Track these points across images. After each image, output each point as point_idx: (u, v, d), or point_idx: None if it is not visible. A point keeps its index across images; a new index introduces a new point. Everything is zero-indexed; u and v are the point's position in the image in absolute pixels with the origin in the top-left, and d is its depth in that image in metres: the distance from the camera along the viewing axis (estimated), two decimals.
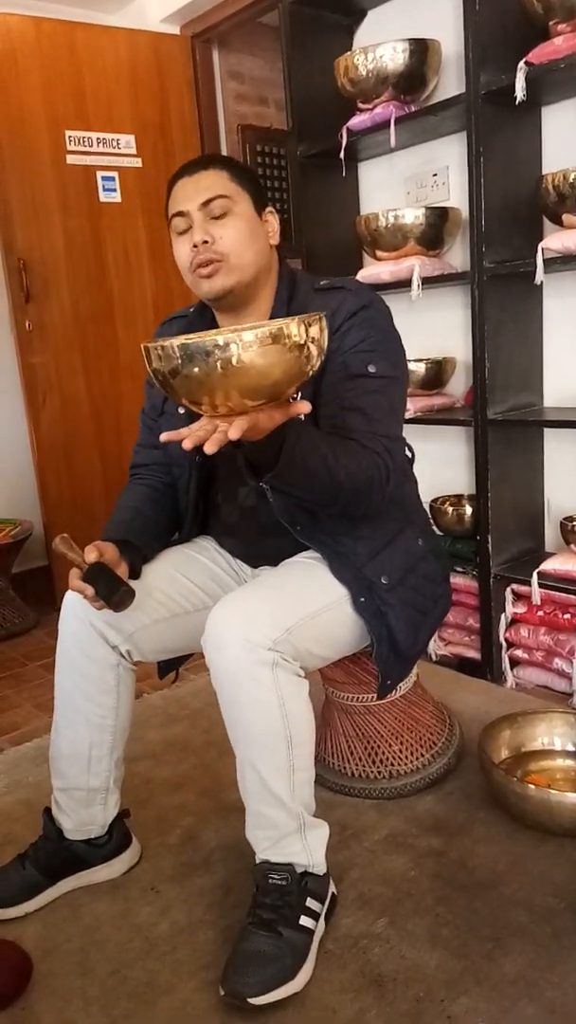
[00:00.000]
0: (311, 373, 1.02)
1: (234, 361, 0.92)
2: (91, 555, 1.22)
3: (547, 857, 1.40)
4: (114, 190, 3.04)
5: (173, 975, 1.20)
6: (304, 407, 1.03)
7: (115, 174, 3.03)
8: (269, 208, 1.35)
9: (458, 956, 1.20)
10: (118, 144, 3.03)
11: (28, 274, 2.82)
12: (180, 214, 1.29)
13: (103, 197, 3.01)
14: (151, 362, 0.98)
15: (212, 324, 1.40)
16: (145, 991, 1.18)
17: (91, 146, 2.97)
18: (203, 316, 1.42)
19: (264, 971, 1.12)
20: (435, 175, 2.31)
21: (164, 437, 1.04)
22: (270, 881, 1.20)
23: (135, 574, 1.33)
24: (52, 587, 2.99)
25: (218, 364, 0.92)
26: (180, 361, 0.94)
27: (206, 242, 1.26)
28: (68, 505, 2.97)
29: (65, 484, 2.99)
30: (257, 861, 1.24)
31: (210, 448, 0.96)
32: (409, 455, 1.47)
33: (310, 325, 0.98)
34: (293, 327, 0.95)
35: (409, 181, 2.38)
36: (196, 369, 0.93)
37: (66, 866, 1.38)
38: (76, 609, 1.32)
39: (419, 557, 1.40)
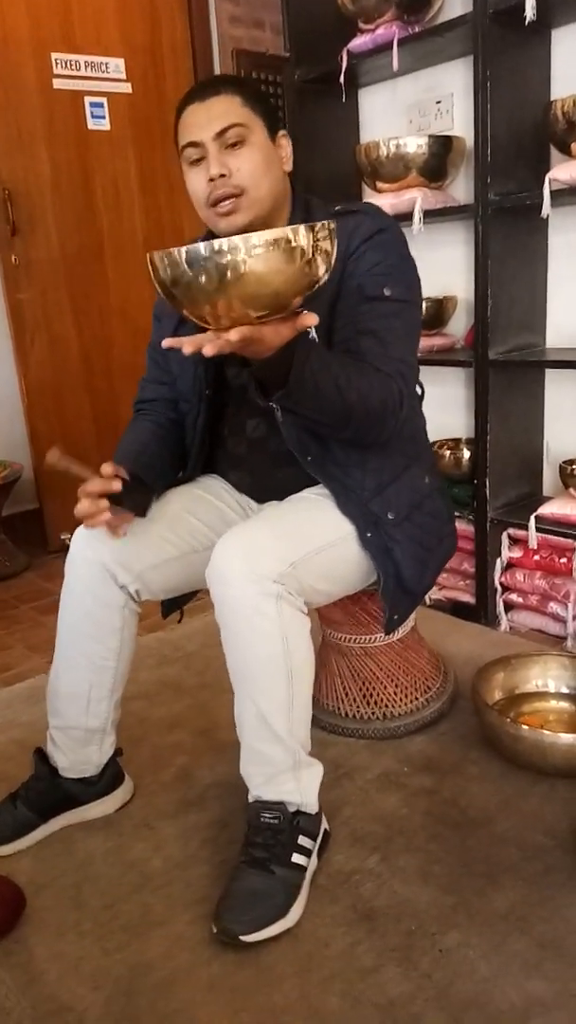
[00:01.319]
0: (318, 284, 0.99)
1: (239, 269, 0.90)
2: (107, 469, 1.19)
3: (539, 797, 1.40)
4: (103, 117, 2.91)
5: (166, 909, 1.21)
6: (311, 319, 1.00)
7: (104, 100, 2.91)
8: (282, 132, 1.29)
9: (449, 892, 1.21)
10: (107, 68, 2.90)
11: (13, 206, 2.72)
12: (193, 144, 1.23)
13: (91, 124, 2.89)
14: (157, 272, 0.96)
15: None
16: (138, 924, 1.19)
17: (79, 70, 2.83)
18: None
19: (256, 909, 1.13)
20: (439, 102, 2.21)
21: (166, 343, 1.02)
22: (262, 820, 1.20)
23: (143, 510, 1.31)
24: (43, 529, 2.96)
25: (221, 270, 0.90)
26: (184, 268, 0.92)
27: (223, 175, 1.22)
28: (58, 448, 2.92)
29: (55, 426, 2.94)
30: (250, 799, 1.24)
31: (209, 351, 0.95)
32: (419, 392, 1.44)
33: (316, 232, 0.94)
34: (300, 233, 0.92)
35: (412, 108, 2.28)
36: (199, 276, 0.91)
37: (58, 804, 1.38)
38: (86, 550, 1.30)
39: (425, 495, 1.39)
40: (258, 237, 0.91)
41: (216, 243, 0.90)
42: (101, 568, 1.29)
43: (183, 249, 0.92)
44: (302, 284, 0.96)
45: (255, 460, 1.41)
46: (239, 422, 1.41)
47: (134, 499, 1.24)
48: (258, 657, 1.16)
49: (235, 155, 1.22)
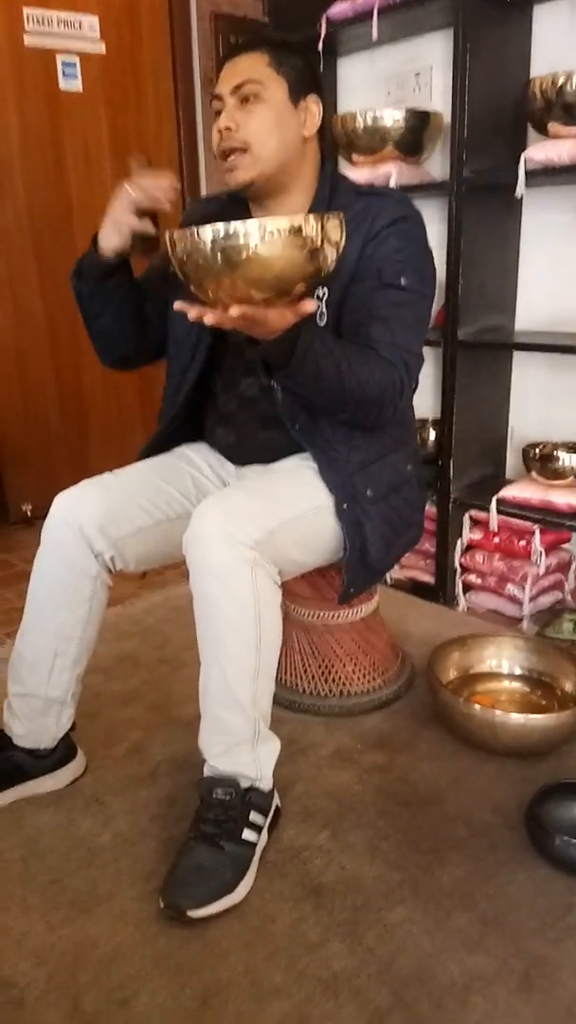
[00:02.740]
0: (326, 272, 1.02)
1: (247, 252, 0.95)
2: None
3: (488, 775, 1.42)
4: (75, 77, 2.82)
5: (113, 884, 1.21)
6: (310, 306, 1.03)
7: (77, 60, 2.81)
8: (313, 96, 1.28)
9: (396, 868, 1.22)
10: (80, 26, 2.80)
11: None
12: (216, 97, 1.27)
13: (63, 85, 2.80)
14: (175, 249, 1.00)
15: (245, 211, 1.37)
16: (85, 899, 1.18)
17: (51, 26, 2.74)
18: (238, 202, 1.37)
19: (204, 884, 1.13)
20: (418, 75, 2.18)
21: (177, 306, 1.05)
22: (214, 796, 1.20)
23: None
24: (3, 500, 2.91)
25: (231, 252, 0.95)
26: (199, 247, 0.96)
27: (229, 128, 1.24)
28: (20, 416, 2.87)
29: (17, 395, 2.87)
30: (204, 772, 1.24)
31: (210, 319, 1.00)
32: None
33: (326, 222, 0.98)
34: (310, 223, 0.96)
35: (390, 81, 2.25)
36: (211, 256, 0.96)
37: (7, 778, 1.36)
38: (66, 515, 1.30)
39: (404, 479, 1.42)
40: (272, 224, 0.95)
41: (232, 226, 0.95)
42: (78, 533, 1.29)
43: (200, 229, 0.96)
44: (307, 271, 0.99)
45: (243, 418, 1.42)
46: (233, 379, 1.41)
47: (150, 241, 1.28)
48: (229, 621, 1.17)
49: (246, 110, 1.24)
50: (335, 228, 1.00)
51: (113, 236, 1.27)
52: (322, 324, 1.27)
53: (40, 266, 2.83)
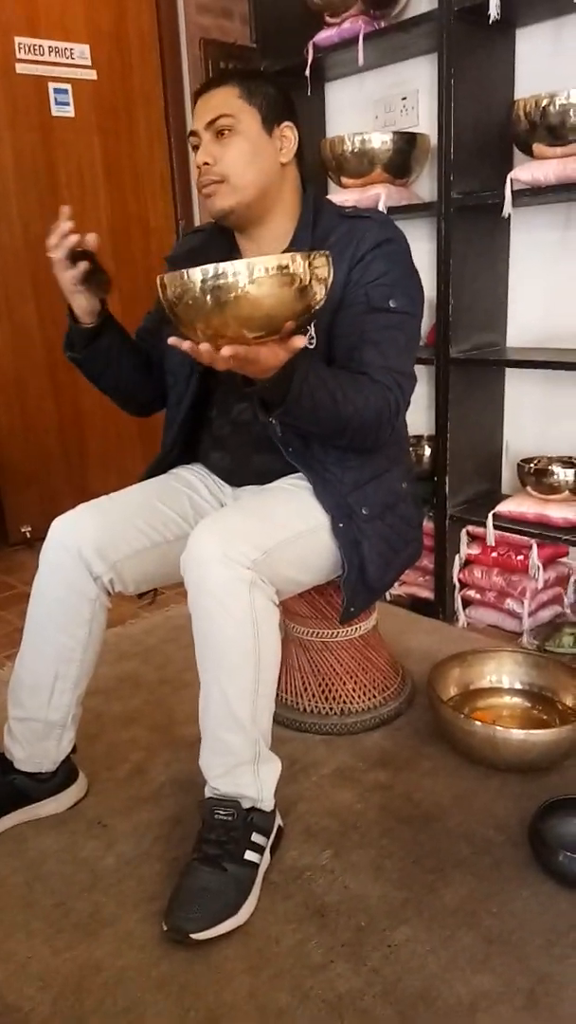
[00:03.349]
0: (315, 308, 1.04)
1: (237, 292, 0.96)
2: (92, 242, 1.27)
3: (491, 792, 1.42)
4: (67, 104, 2.86)
5: (118, 907, 1.20)
6: (300, 342, 1.05)
7: (68, 86, 2.85)
8: (287, 123, 1.32)
9: (400, 887, 1.22)
10: (72, 54, 2.84)
11: None
12: (192, 133, 1.31)
13: (55, 111, 2.83)
14: (165, 292, 1.02)
15: (231, 240, 1.40)
16: (89, 923, 1.18)
17: (43, 54, 2.77)
18: (222, 232, 1.41)
19: (207, 906, 1.12)
20: (404, 99, 2.21)
21: (171, 342, 1.07)
22: (216, 817, 1.20)
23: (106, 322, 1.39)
24: (3, 522, 2.92)
25: (221, 292, 0.96)
26: (188, 288, 0.98)
27: (207, 164, 1.28)
28: (20, 438, 2.88)
29: (16, 417, 2.88)
30: (206, 793, 1.24)
31: (204, 359, 1.03)
32: None
33: (314, 259, 1.00)
34: (298, 261, 0.98)
35: (377, 104, 2.28)
36: (201, 297, 0.97)
37: (9, 802, 1.36)
38: (64, 538, 1.31)
39: (400, 497, 1.43)
40: (260, 263, 0.96)
41: (221, 267, 0.96)
42: (77, 557, 1.30)
43: (189, 271, 0.98)
44: (297, 308, 1.01)
45: (237, 442, 1.44)
46: (226, 404, 1.44)
47: (98, 274, 1.30)
48: (228, 640, 1.17)
49: (222, 144, 1.27)
50: (323, 266, 1.02)
51: (75, 299, 1.32)
52: (312, 348, 1.29)
53: (36, 290, 2.85)
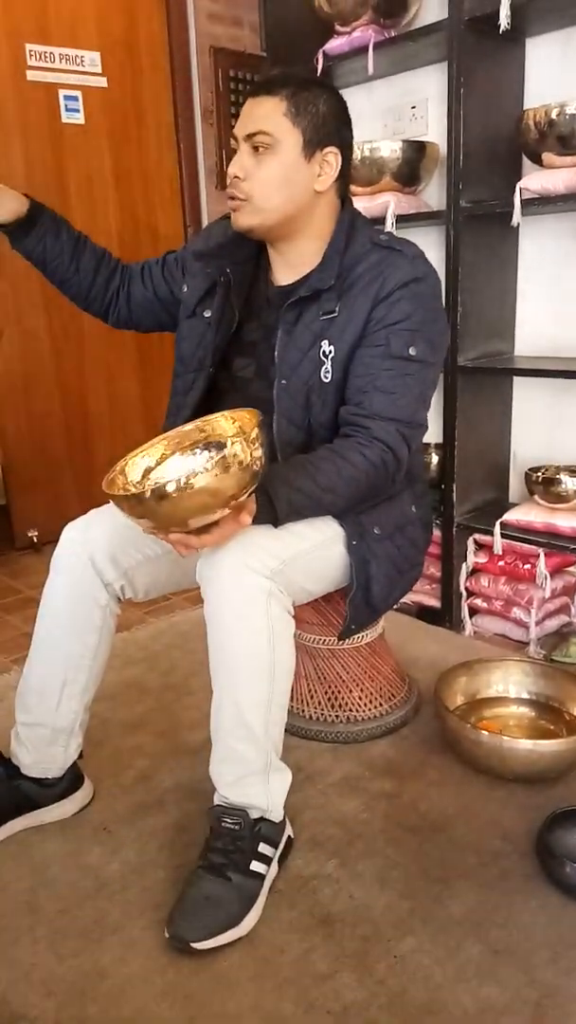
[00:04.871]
0: (260, 474, 1.06)
1: (182, 490, 0.99)
2: None
3: (497, 801, 1.41)
4: (77, 111, 2.88)
5: (122, 914, 1.20)
6: (247, 519, 1.10)
7: (79, 94, 2.87)
8: (331, 148, 1.26)
9: (406, 897, 1.21)
10: (82, 61, 2.86)
11: None
12: (234, 136, 1.28)
13: (65, 118, 2.85)
14: (116, 500, 1.05)
15: (254, 244, 1.38)
16: (93, 929, 1.17)
17: (53, 62, 2.80)
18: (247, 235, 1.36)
19: (210, 916, 1.12)
20: (413, 107, 2.22)
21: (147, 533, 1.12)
22: (223, 825, 1.20)
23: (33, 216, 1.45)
24: (10, 526, 2.92)
25: (161, 492, 0.99)
26: (139, 499, 1.01)
27: (237, 177, 1.25)
28: (27, 444, 2.89)
29: (24, 422, 2.90)
30: (215, 801, 1.23)
31: (183, 551, 1.10)
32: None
33: (252, 440, 1.03)
34: (238, 448, 1.00)
35: (387, 113, 2.29)
36: (152, 503, 1.00)
37: (14, 807, 1.36)
38: (75, 545, 1.31)
39: (410, 520, 1.43)
40: (197, 465, 1.00)
41: (158, 471, 1.11)
42: (89, 564, 1.30)
43: (128, 469, 1.12)
44: (243, 482, 1.04)
45: None
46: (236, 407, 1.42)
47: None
48: (244, 648, 1.17)
49: (256, 160, 1.24)
50: (256, 436, 1.04)
51: None
52: (327, 381, 1.29)
53: (46, 296, 2.86)
